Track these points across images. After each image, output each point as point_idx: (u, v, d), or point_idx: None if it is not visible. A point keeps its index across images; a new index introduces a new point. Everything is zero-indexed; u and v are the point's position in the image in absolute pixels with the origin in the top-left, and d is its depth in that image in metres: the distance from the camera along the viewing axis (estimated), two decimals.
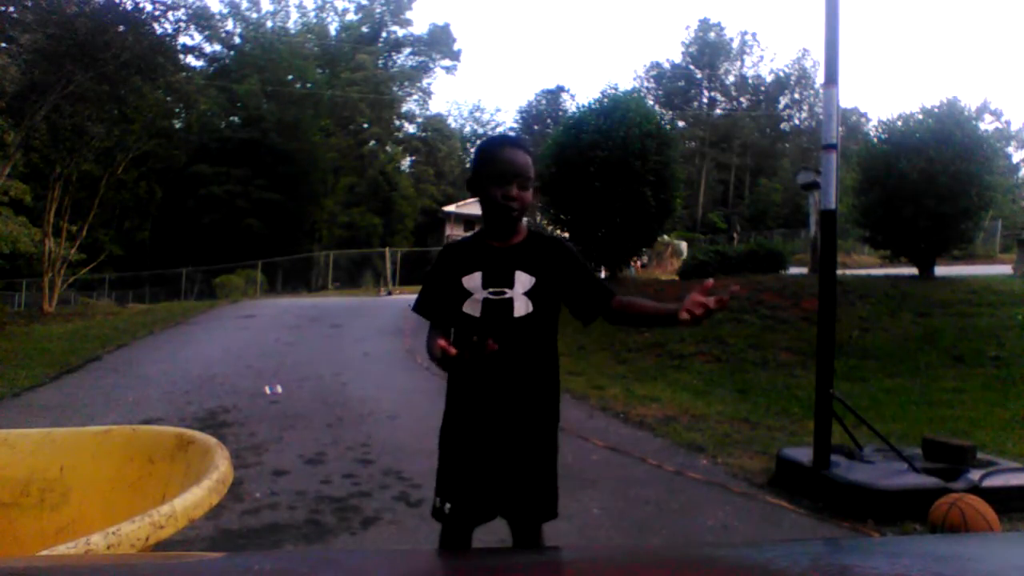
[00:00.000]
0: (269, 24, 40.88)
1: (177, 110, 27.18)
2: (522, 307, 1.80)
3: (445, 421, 1.92)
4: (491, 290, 1.81)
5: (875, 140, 11.42)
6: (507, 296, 1.80)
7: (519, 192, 1.82)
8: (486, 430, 1.81)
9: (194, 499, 1.21)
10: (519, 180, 1.83)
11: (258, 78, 34.51)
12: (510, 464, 1.80)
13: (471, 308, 1.81)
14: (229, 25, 38.81)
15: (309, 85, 36.81)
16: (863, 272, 12.15)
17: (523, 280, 1.81)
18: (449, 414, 1.91)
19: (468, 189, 1.94)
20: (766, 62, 72.73)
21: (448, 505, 1.85)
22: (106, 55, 13.45)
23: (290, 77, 36.51)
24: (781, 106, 54.54)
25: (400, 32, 47.10)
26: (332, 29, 45.51)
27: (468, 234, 2.10)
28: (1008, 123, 47.00)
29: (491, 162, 1.85)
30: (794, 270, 13.36)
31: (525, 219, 1.90)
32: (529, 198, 1.86)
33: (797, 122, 54.32)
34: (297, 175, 32.74)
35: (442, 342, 1.62)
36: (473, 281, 1.82)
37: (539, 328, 1.83)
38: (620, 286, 12.58)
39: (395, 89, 44.72)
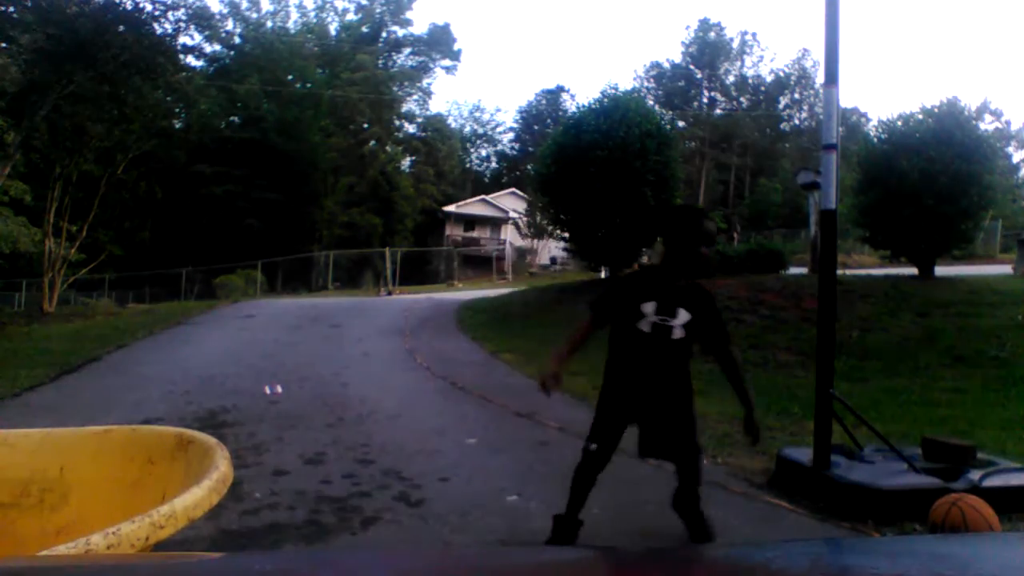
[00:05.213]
0: (269, 24, 40.83)
1: (177, 110, 27.14)
2: (678, 333, 2.63)
3: (607, 393, 2.78)
4: (660, 316, 2.62)
5: (875, 140, 11.42)
6: (670, 324, 2.63)
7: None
8: (639, 406, 2.73)
9: (194, 499, 1.20)
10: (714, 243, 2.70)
11: (258, 78, 34.49)
12: (660, 428, 2.74)
13: (644, 326, 2.63)
14: (229, 25, 38.75)
15: (309, 85, 36.77)
16: (863, 272, 12.15)
17: (683, 315, 2.64)
18: (610, 389, 2.77)
19: (667, 239, 2.71)
20: (766, 62, 72.47)
21: (594, 446, 2.72)
22: (106, 55, 13.44)
23: (290, 77, 36.49)
24: (781, 106, 54.46)
25: (400, 32, 47.08)
26: (332, 29, 45.46)
27: (643, 264, 2.96)
28: (1008, 123, 47.10)
29: (704, 229, 2.63)
30: (794, 270, 13.36)
31: None
32: None
33: (797, 122, 54.23)
34: (297, 175, 32.72)
35: (555, 377, 2.74)
36: (649, 307, 2.62)
37: (685, 350, 2.70)
38: None
39: (395, 89, 44.66)
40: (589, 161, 11.53)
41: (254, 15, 40.44)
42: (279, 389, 6.52)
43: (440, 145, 46.25)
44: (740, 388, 2.73)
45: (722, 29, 53.95)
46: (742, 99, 54.85)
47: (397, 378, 7.38)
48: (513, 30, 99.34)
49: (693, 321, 2.63)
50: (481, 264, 34.73)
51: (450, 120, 52.70)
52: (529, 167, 36.42)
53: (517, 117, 56.63)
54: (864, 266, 15.69)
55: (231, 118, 35.82)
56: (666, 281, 2.67)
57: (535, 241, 31.97)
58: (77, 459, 1.67)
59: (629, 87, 15.60)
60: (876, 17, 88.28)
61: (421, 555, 1.20)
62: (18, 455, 1.67)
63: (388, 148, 42.42)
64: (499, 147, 58.32)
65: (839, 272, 5.72)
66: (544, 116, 52.53)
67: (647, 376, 2.68)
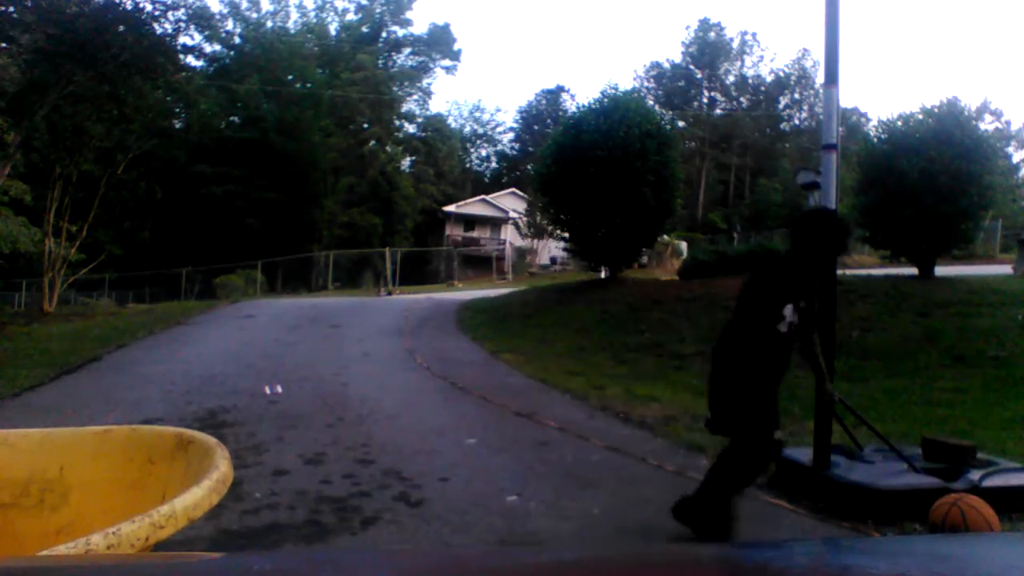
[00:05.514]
0: (269, 24, 40.83)
1: (177, 110, 27.14)
2: (794, 322, 2.95)
3: (760, 390, 2.97)
4: (795, 316, 2.93)
5: (875, 140, 11.42)
6: (793, 320, 2.95)
7: None
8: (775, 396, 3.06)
9: (194, 499, 1.20)
10: None
11: (258, 78, 34.47)
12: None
13: (783, 327, 2.93)
14: (229, 25, 38.79)
15: (309, 85, 36.75)
16: (863, 272, 12.15)
17: (797, 307, 2.95)
18: (761, 385, 2.98)
19: (810, 242, 2.92)
20: (766, 62, 72.19)
21: (780, 433, 3.02)
22: (106, 55, 13.42)
23: (290, 77, 36.47)
24: (781, 106, 54.43)
25: (400, 32, 47.08)
26: (332, 29, 45.47)
27: (781, 259, 3.31)
28: (1008, 123, 46.98)
29: (847, 238, 3.04)
30: None
31: None
32: None
33: (797, 122, 54.18)
34: (297, 175, 32.70)
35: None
36: (788, 310, 2.91)
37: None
38: (620, 286, 12.58)
39: (395, 89, 44.65)
40: (589, 161, 11.54)
41: (254, 15, 40.46)
42: (279, 389, 6.52)
43: (440, 145, 46.22)
44: (816, 364, 3.20)
45: (722, 29, 53.97)
46: (742, 99, 54.84)
47: (397, 378, 7.38)
48: (513, 30, 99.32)
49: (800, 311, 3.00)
50: (481, 264, 34.74)
51: (450, 120, 52.69)
52: (529, 167, 36.45)
53: (517, 117, 56.59)
54: (864, 266, 15.69)
55: (231, 118, 35.80)
56: (796, 280, 2.95)
57: (535, 241, 31.96)
58: (77, 459, 1.67)
59: (629, 87, 15.63)
60: (876, 17, 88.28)
61: (421, 555, 1.20)
62: (18, 455, 1.67)
63: (388, 148, 42.41)
64: (499, 147, 58.30)
65: (839, 272, 5.72)
66: (544, 116, 52.49)
67: (784, 371, 3.09)
